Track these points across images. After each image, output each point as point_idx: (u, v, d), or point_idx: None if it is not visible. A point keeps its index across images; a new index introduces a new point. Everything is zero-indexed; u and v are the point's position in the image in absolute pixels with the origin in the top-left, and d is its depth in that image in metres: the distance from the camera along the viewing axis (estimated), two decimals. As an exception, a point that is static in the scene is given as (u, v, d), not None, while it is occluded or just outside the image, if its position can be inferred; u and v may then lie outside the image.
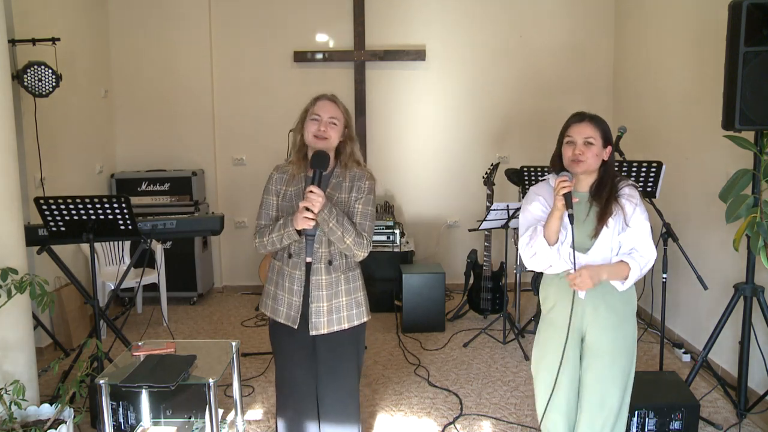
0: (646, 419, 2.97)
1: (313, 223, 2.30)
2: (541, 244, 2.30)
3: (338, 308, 2.46)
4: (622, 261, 2.28)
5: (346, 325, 2.47)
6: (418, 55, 5.55)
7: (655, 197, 3.51)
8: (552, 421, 2.44)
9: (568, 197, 2.21)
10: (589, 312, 2.35)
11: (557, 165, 2.37)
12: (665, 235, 3.45)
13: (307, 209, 2.26)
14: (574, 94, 5.57)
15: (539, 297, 2.53)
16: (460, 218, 5.77)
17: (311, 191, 2.27)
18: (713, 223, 3.80)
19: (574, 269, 2.26)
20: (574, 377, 2.40)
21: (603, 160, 2.32)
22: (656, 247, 2.36)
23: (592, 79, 5.65)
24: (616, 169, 2.45)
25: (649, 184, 3.49)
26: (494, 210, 4.24)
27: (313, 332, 2.44)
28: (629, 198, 2.31)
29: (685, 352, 4.13)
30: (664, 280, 3.51)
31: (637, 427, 2.98)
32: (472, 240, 5.56)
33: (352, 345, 2.54)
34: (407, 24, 5.59)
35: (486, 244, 4.76)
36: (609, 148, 2.32)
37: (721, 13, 3.05)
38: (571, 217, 2.21)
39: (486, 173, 4.72)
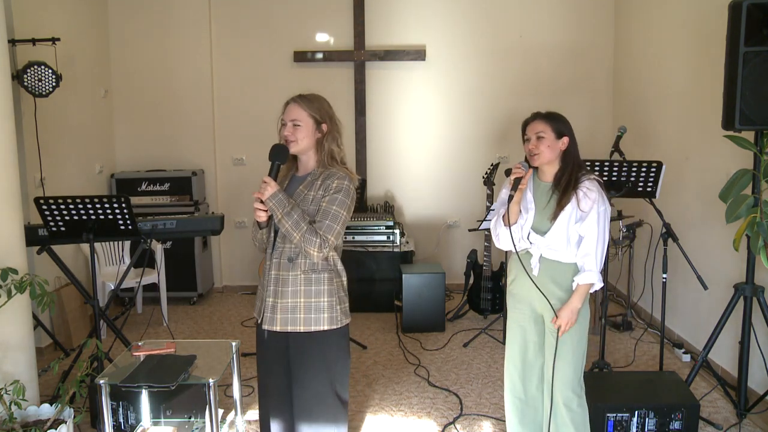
0: (646, 419, 2.97)
1: (263, 214, 2.37)
2: (501, 225, 2.60)
3: (294, 308, 2.40)
4: (581, 283, 2.51)
5: (301, 328, 2.41)
6: (418, 55, 5.55)
7: (655, 197, 3.51)
8: (506, 380, 2.74)
9: (516, 182, 2.49)
10: (539, 290, 2.55)
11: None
12: (665, 235, 3.45)
13: (258, 199, 2.33)
14: (574, 94, 5.57)
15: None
16: (460, 218, 5.77)
17: (263, 180, 2.32)
18: (713, 223, 3.80)
19: (515, 247, 2.55)
20: (528, 343, 2.67)
21: (562, 151, 2.55)
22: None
23: (592, 79, 5.65)
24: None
25: (649, 184, 3.49)
26: (494, 210, 4.23)
27: (265, 326, 2.44)
28: (586, 190, 2.49)
29: (685, 352, 4.13)
30: (664, 280, 3.51)
31: (637, 427, 2.98)
32: (472, 240, 5.56)
33: (319, 350, 2.45)
34: (407, 24, 5.59)
35: (486, 244, 4.76)
36: (565, 139, 2.54)
37: (721, 13, 3.05)
38: (510, 197, 2.51)
39: (486, 173, 4.72)
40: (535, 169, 2.61)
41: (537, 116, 2.59)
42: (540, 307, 2.60)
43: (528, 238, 2.57)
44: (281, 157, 2.38)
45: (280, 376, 2.53)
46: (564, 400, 2.57)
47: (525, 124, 2.63)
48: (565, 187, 2.51)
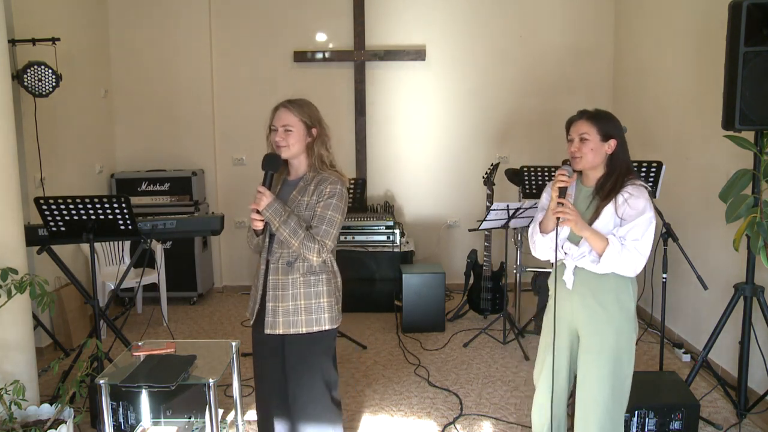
0: (646, 419, 2.97)
1: (260, 224, 2.40)
2: (538, 233, 2.42)
3: (295, 311, 2.44)
4: (606, 237, 2.26)
5: (303, 329, 2.45)
6: (418, 54, 5.55)
7: (655, 197, 3.52)
8: (535, 403, 2.56)
9: (562, 191, 2.27)
10: (578, 306, 2.39)
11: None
12: (665, 235, 3.45)
13: (257, 211, 2.35)
14: (574, 94, 5.57)
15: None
16: (460, 218, 5.77)
17: (258, 191, 2.34)
18: (713, 223, 3.80)
19: (555, 258, 2.36)
20: (561, 365, 2.46)
21: (609, 154, 2.33)
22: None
23: (592, 79, 5.65)
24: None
25: (649, 184, 3.50)
26: (494, 210, 4.24)
27: (267, 330, 2.47)
28: (627, 196, 2.27)
29: (685, 352, 4.13)
30: (664, 280, 3.51)
31: (637, 427, 2.98)
32: (472, 240, 5.56)
33: (315, 351, 2.49)
34: (407, 24, 5.59)
35: (486, 244, 4.76)
36: (612, 142, 2.32)
37: (721, 13, 3.05)
38: (558, 219, 2.28)
39: (486, 173, 4.72)
40: (579, 172, 2.40)
41: (582, 115, 2.34)
42: (577, 324, 2.41)
43: (563, 248, 2.36)
44: (274, 165, 2.40)
45: (277, 378, 2.55)
46: (599, 424, 2.37)
47: (569, 123, 2.38)
48: (607, 194, 2.29)
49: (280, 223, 2.35)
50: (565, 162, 2.40)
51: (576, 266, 2.37)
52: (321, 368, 2.50)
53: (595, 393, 2.37)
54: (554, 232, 2.35)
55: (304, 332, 2.44)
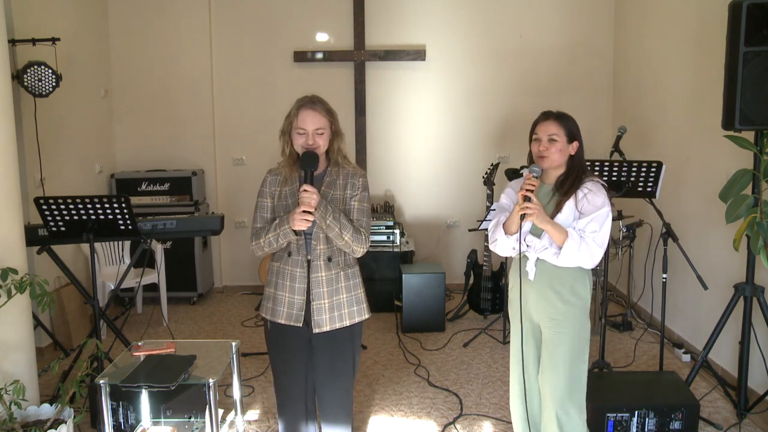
0: (646, 419, 2.97)
1: (308, 223, 2.31)
2: (501, 233, 2.50)
3: (339, 305, 2.46)
4: (567, 230, 2.37)
5: (347, 322, 2.47)
6: (418, 55, 5.55)
7: (655, 197, 3.52)
8: (511, 395, 2.67)
9: (526, 195, 2.36)
10: (536, 298, 2.49)
11: (531, 162, 2.55)
12: (665, 235, 3.46)
13: (305, 211, 2.27)
14: (574, 94, 5.57)
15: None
16: (460, 218, 5.77)
17: (305, 190, 2.28)
18: (713, 223, 3.80)
19: (519, 250, 2.46)
20: (524, 357, 2.55)
21: (570, 155, 2.46)
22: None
23: (592, 79, 5.65)
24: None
25: (649, 184, 3.49)
26: (494, 210, 4.24)
27: (315, 330, 2.44)
28: (587, 191, 2.40)
29: (685, 352, 4.13)
30: (664, 280, 3.51)
31: (637, 427, 2.98)
32: (472, 240, 5.56)
33: (350, 343, 2.52)
34: (407, 24, 5.59)
35: (486, 244, 4.76)
36: (575, 144, 2.46)
37: (721, 13, 3.05)
38: (522, 216, 2.35)
39: (486, 173, 4.72)
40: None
41: (550, 116, 2.46)
42: (537, 315, 2.51)
43: (525, 241, 2.47)
44: (313, 164, 2.36)
45: (304, 375, 2.54)
46: (555, 416, 2.46)
47: (536, 123, 2.49)
48: (567, 190, 2.42)
49: (332, 219, 2.33)
50: (526, 166, 2.51)
51: (538, 258, 2.46)
52: (354, 358, 2.55)
53: (551, 386, 2.47)
54: (518, 232, 2.46)
55: (348, 324, 2.48)
